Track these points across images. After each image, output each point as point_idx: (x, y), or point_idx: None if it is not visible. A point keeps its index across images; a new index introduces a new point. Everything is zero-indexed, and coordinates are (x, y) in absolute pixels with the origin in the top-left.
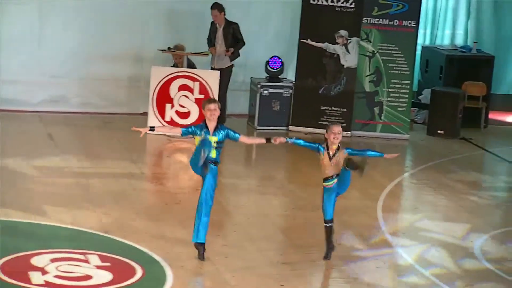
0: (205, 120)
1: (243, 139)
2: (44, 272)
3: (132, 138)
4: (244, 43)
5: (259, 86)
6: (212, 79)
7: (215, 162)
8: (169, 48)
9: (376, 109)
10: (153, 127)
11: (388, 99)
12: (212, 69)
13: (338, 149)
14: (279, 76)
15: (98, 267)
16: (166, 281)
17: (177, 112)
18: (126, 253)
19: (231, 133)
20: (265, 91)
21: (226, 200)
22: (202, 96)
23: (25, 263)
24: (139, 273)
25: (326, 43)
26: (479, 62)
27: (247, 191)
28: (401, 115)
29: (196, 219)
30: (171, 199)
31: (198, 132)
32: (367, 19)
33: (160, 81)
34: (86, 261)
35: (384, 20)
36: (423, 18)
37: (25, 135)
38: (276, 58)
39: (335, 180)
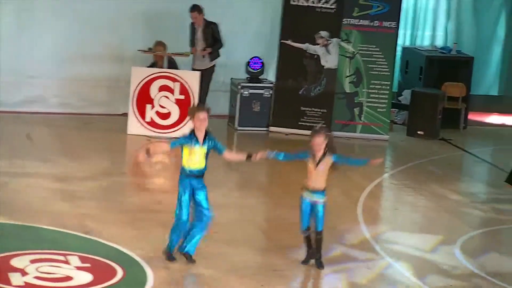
0: (193, 129)
1: (227, 154)
2: (24, 273)
3: (112, 139)
4: (222, 44)
5: (239, 86)
6: (192, 80)
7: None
8: (149, 48)
9: (356, 110)
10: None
11: (368, 100)
12: (193, 70)
13: (324, 155)
14: (260, 77)
15: (79, 268)
16: (147, 281)
17: (158, 113)
18: (107, 254)
19: (219, 145)
20: (246, 92)
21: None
22: (182, 97)
23: (5, 264)
24: (119, 274)
25: (307, 44)
26: (459, 63)
27: (228, 193)
28: (381, 116)
29: (194, 232)
30: (152, 199)
31: (189, 142)
32: (348, 20)
33: (140, 82)
34: (66, 262)
35: (365, 21)
36: (403, 19)
37: (2, 135)
38: (257, 58)
39: (315, 199)
